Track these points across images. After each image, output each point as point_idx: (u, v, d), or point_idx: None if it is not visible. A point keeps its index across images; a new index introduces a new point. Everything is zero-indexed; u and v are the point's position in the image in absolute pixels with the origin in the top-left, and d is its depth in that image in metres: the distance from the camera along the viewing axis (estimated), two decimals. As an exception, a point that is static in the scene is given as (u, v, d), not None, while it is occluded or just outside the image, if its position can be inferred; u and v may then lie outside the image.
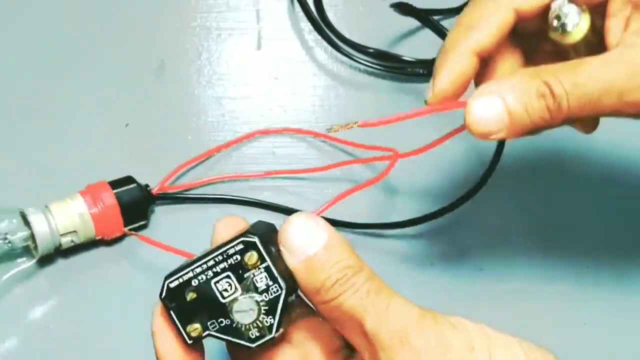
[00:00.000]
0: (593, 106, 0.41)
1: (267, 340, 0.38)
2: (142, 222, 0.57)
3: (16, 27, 0.65)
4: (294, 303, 0.39)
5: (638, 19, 0.42)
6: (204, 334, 0.38)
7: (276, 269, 0.38)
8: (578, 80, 0.40)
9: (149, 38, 0.66)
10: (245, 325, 0.38)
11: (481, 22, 0.44)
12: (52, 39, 0.65)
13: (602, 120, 0.46)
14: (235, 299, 0.38)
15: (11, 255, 0.54)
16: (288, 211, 0.58)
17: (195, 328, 0.38)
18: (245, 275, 0.38)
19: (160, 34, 0.66)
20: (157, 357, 0.39)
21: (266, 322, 0.38)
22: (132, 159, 0.60)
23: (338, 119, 0.64)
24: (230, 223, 0.42)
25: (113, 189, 0.55)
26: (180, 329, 0.38)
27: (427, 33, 0.63)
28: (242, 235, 0.38)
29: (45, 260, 0.56)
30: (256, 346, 0.38)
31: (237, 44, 0.66)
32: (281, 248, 0.37)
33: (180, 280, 0.38)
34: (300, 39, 0.67)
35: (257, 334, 0.38)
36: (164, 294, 0.38)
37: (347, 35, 0.66)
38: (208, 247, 0.40)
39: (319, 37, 0.66)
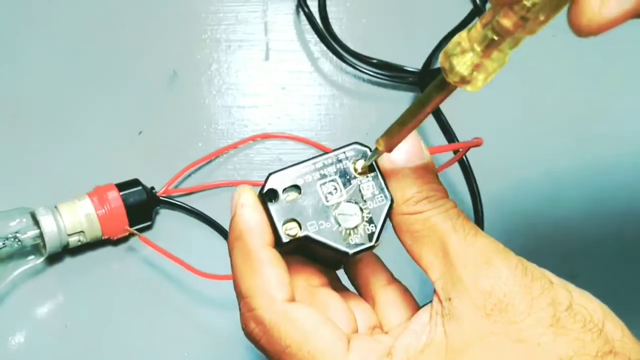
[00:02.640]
0: None
1: (365, 249, 0.36)
2: (146, 223, 0.57)
3: (38, 40, 0.66)
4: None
5: None
6: (301, 234, 0.36)
7: (383, 180, 0.37)
8: None
9: (162, 50, 0.66)
10: (347, 230, 0.36)
11: None
12: (71, 51, 0.65)
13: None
14: (339, 203, 0.36)
15: (21, 253, 0.54)
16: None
17: (292, 227, 0.36)
18: (352, 182, 0.37)
19: (173, 46, 0.66)
20: (241, 229, 0.36)
21: (367, 229, 0.36)
22: (145, 165, 0.60)
23: (343, 127, 0.63)
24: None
25: (120, 191, 0.55)
26: (278, 226, 0.36)
27: (428, 44, 0.63)
28: (353, 143, 0.37)
29: (54, 258, 0.56)
30: (354, 253, 0.36)
31: (246, 55, 0.66)
32: (385, 153, 0.36)
33: (285, 178, 0.36)
34: (307, 51, 0.67)
35: (357, 241, 0.36)
36: (265, 189, 0.36)
37: (352, 47, 0.66)
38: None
39: (325, 49, 0.65)
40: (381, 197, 0.36)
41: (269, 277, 0.36)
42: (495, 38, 0.30)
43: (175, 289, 0.55)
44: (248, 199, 0.36)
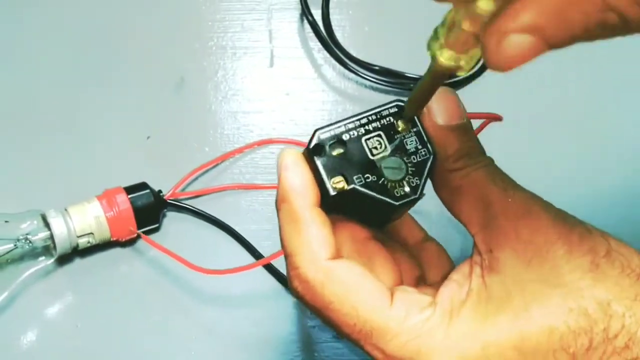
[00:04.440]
0: None
1: (410, 200, 0.37)
2: (154, 225, 0.57)
3: (49, 47, 0.66)
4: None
5: None
6: (348, 187, 0.36)
7: (426, 134, 0.37)
8: None
9: (169, 57, 0.66)
10: (392, 183, 0.36)
11: None
12: (82, 57, 0.65)
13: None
14: (384, 157, 0.37)
15: (32, 254, 0.54)
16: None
17: (339, 180, 0.36)
18: (396, 137, 0.37)
19: (180, 53, 0.66)
20: (286, 190, 0.37)
21: (412, 182, 0.37)
22: (153, 168, 0.60)
23: (345, 132, 0.63)
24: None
25: (128, 194, 0.55)
26: (326, 180, 0.36)
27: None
28: (395, 100, 0.37)
29: (64, 259, 0.56)
30: (399, 204, 0.37)
31: (251, 62, 0.66)
32: (424, 109, 0.37)
33: (332, 132, 0.37)
34: (310, 57, 0.67)
35: (402, 193, 0.37)
36: (313, 143, 0.37)
37: (354, 54, 0.66)
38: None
39: (328, 56, 0.65)
40: (424, 151, 0.37)
41: (312, 236, 0.36)
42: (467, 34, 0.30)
43: (182, 289, 0.55)
44: (291, 160, 0.37)
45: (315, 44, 0.66)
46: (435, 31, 0.32)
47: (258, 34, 0.67)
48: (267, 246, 0.57)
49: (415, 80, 0.64)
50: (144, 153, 0.62)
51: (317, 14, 0.66)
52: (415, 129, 0.37)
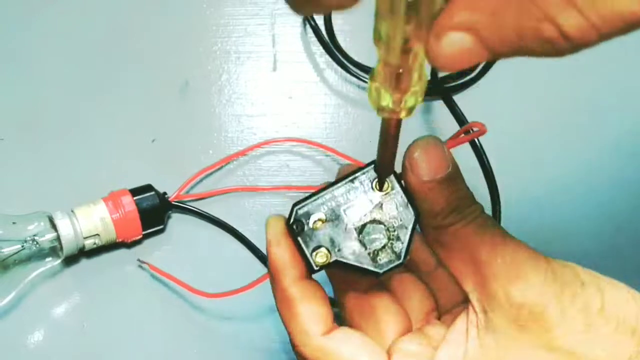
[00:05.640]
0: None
1: (394, 267, 0.36)
2: (159, 227, 0.57)
3: (56, 51, 0.66)
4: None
5: None
6: (331, 260, 0.36)
7: (407, 196, 0.36)
8: None
9: (174, 61, 0.66)
10: (375, 251, 0.36)
11: None
12: (88, 62, 0.65)
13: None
14: (364, 225, 0.36)
15: (39, 255, 0.54)
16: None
17: (322, 254, 0.36)
18: (375, 202, 0.36)
19: (185, 57, 0.66)
20: (272, 269, 0.36)
21: (395, 247, 0.36)
22: (158, 171, 0.60)
23: (347, 135, 0.63)
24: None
25: (133, 196, 0.55)
26: (308, 255, 0.36)
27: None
28: (372, 163, 0.36)
29: (70, 260, 0.56)
30: (384, 272, 0.36)
31: (255, 66, 0.66)
32: (407, 165, 0.35)
33: (310, 206, 0.36)
34: (313, 62, 0.67)
35: (386, 260, 0.36)
36: (292, 220, 0.36)
37: (356, 58, 0.66)
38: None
39: (330, 60, 0.65)
40: (406, 213, 0.36)
41: (301, 314, 0.36)
42: (400, 71, 0.29)
43: (186, 291, 0.55)
44: (273, 235, 0.36)
45: (318, 49, 0.66)
46: (371, 74, 0.30)
47: (261, 39, 0.67)
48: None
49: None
50: (149, 156, 0.62)
51: (319, 19, 0.66)
52: (394, 191, 0.36)
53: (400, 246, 0.36)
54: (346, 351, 0.36)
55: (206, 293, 0.53)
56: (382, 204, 0.36)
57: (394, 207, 0.36)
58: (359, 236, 0.36)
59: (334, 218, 0.36)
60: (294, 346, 0.37)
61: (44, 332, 0.54)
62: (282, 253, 0.36)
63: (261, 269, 0.56)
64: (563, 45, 0.24)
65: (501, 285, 0.34)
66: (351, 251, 0.36)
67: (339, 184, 0.36)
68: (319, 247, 0.36)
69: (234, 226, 0.58)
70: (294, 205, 0.36)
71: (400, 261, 0.36)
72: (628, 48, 0.66)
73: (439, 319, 0.40)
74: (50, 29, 0.67)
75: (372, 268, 0.36)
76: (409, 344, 0.37)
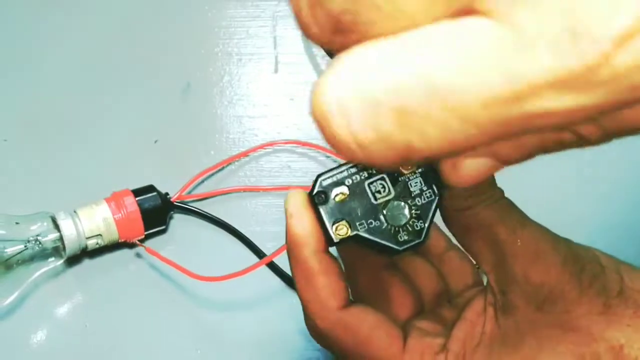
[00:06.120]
0: None
1: (414, 245, 0.35)
2: (161, 227, 0.57)
3: (59, 52, 0.66)
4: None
5: None
6: (351, 234, 0.35)
7: (431, 175, 0.35)
8: None
9: (176, 63, 0.66)
10: (396, 228, 0.35)
11: None
12: (91, 63, 0.66)
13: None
14: (388, 201, 0.35)
15: (42, 255, 0.54)
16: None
17: (343, 226, 0.35)
18: (400, 179, 0.35)
19: (187, 59, 0.66)
20: (292, 241, 0.36)
21: (417, 226, 0.35)
22: (160, 172, 0.60)
23: (348, 137, 0.63)
24: None
25: (135, 196, 0.55)
26: (329, 227, 0.35)
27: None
28: None
29: (73, 260, 0.56)
30: (403, 249, 0.35)
31: (256, 68, 0.66)
32: None
33: (334, 178, 0.35)
34: (314, 64, 0.66)
35: (406, 238, 0.35)
36: (315, 191, 0.35)
37: (357, 60, 0.65)
38: None
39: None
40: (429, 192, 0.35)
41: (320, 286, 0.35)
42: None
43: (188, 289, 0.55)
44: (294, 207, 0.36)
45: (319, 50, 0.66)
46: None
47: (263, 41, 0.67)
48: (272, 247, 0.57)
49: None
50: (151, 156, 0.62)
51: (320, 21, 0.66)
52: (420, 170, 0.36)
53: (421, 225, 0.35)
54: (364, 327, 0.36)
55: (202, 276, 0.53)
56: (406, 182, 0.35)
57: (418, 186, 0.35)
58: (381, 212, 0.35)
59: (358, 192, 0.35)
60: (309, 320, 0.36)
61: (47, 331, 0.54)
62: (304, 224, 0.35)
63: (262, 269, 0.56)
64: (581, 145, 0.24)
65: (520, 266, 0.34)
66: (372, 226, 0.35)
67: None
68: (340, 219, 0.35)
69: (236, 227, 0.58)
70: (319, 176, 0.36)
71: (421, 240, 0.35)
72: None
73: (449, 302, 0.40)
74: (54, 31, 0.67)
75: (392, 245, 0.35)
76: (422, 323, 0.37)
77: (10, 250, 0.53)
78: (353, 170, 0.36)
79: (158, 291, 0.56)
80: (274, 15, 0.68)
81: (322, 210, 0.35)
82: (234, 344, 0.55)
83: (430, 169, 0.36)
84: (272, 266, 0.56)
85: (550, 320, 0.33)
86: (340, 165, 0.36)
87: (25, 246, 0.53)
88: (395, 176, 0.36)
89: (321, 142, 0.62)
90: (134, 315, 0.55)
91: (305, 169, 0.62)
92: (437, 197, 0.35)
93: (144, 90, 0.65)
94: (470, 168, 0.26)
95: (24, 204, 0.56)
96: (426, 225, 0.35)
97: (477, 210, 0.35)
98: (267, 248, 0.57)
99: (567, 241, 0.35)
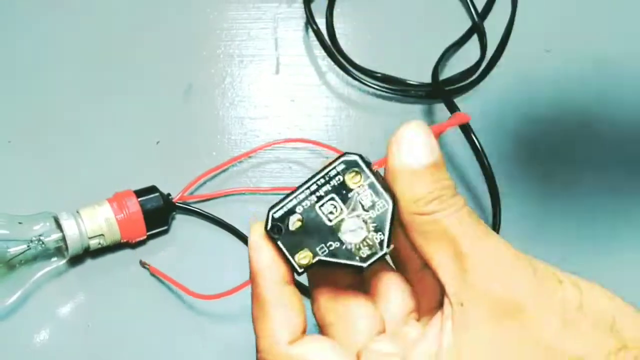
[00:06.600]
0: None
1: (378, 258, 0.34)
2: (163, 228, 0.57)
3: (62, 55, 0.66)
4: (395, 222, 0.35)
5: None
6: (314, 260, 0.35)
7: (379, 184, 0.34)
8: None
9: (178, 64, 0.66)
10: (356, 245, 0.34)
11: None
12: (93, 65, 0.66)
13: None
14: (342, 220, 0.34)
15: (45, 255, 0.54)
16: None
17: (304, 256, 0.35)
18: (350, 195, 0.34)
19: (189, 60, 0.67)
20: (251, 273, 0.36)
21: (376, 238, 0.34)
22: (162, 172, 0.60)
23: (349, 137, 0.63)
24: None
25: (138, 197, 0.55)
26: (290, 258, 0.35)
27: (429, 60, 0.63)
28: (341, 156, 0.35)
29: (75, 260, 0.56)
30: (368, 265, 0.34)
31: (258, 69, 0.66)
32: (393, 149, 0.34)
33: (285, 209, 0.35)
34: (315, 65, 0.67)
35: (369, 253, 0.34)
36: (269, 226, 0.35)
37: (357, 61, 0.66)
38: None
39: (332, 63, 0.66)
40: (382, 202, 0.35)
41: (273, 318, 0.35)
42: None
43: (184, 292, 0.55)
44: (253, 240, 0.36)
45: (320, 52, 0.66)
46: None
47: (264, 42, 0.67)
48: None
49: (416, 87, 0.64)
50: (153, 157, 0.62)
51: (321, 23, 0.66)
52: (367, 182, 0.35)
53: (380, 237, 0.34)
54: (312, 358, 0.35)
55: (202, 295, 0.53)
56: (356, 197, 0.35)
57: (369, 198, 0.35)
58: (338, 232, 0.35)
59: (311, 217, 0.35)
60: (258, 352, 0.36)
61: (49, 331, 0.54)
62: (261, 257, 0.35)
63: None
64: None
65: (481, 278, 0.33)
66: (333, 249, 0.35)
67: (311, 182, 0.35)
68: (300, 248, 0.35)
69: (237, 225, 0.58)
70: (270, 209, 0.35)
71: (383, 252, 0.35)
72: (633, 54, 0.66)
73: (418, 320, 0.38)
74: (56, 33, 0.67)
75: (356, 263, 0.35)
76: (381, 344, 0.36)
77: (13, 250, 0.53)
78: (302, 196, 0.35)
79: (160, 292, 0.56)
80: (275, 17, 0.68)
81: (279, 243, 0.35)
82: (236, 344, 0.55)
83: (377, 176, 0.35)
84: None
85: (511, 336, 0.33)
86: (288, 194, 0.35)
87: (28, 246, 0.53)
88: (344, 194, 0.35)
89: (323, 141, 0.62)
90: (136, 316, 0.55)
91: (306, 170, 0.62)
92: (391, 205, 0.35)
93: (147, 91, 0.65)
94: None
95: (27, 204, 0.56)
96: (385, 235, 0.34)
97: (438, 217, 0.34)
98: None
99: (527, 256, 0.34)
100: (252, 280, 0.36)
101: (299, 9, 0.68)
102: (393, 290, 0.38)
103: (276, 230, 0.35)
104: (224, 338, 0.55)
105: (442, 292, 0.35)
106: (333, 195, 0.35)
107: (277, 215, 0.35)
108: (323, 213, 0.35)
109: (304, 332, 0.36)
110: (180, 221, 0.59)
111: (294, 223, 0.35)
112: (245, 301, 0.54)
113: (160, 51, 0.67)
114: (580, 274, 0.34)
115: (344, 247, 0.35)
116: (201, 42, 0.67)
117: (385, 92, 0.65)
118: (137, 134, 0.63)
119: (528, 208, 0.60)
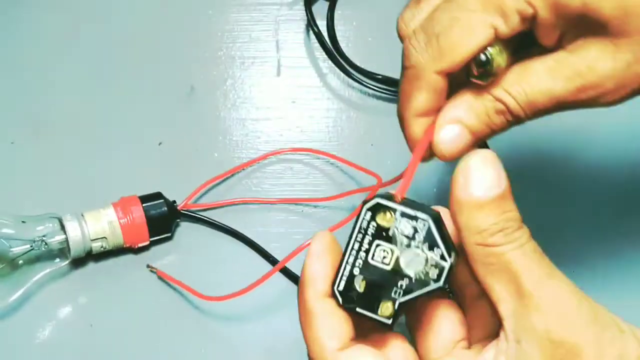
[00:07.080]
0: (546, 110, 0.37)
1: (449, 271, 0.34)
2: (166, 234, 0.57)
3: (64, 57, 0.66)
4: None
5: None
6: (395, 306, 0.35)
7: (410, 208, 0.35)
8: (527, 92, 0.37)
9: (180, 66, 0.66)
10: (422, 271, 0.34)
11: (456, 47, 0.36)
12: (96, 68, 0.66)
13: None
14: (397, 258, 0.35)
15: (48, 255, 0.54)
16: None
17: (385, 307, 0.35)
18: (390, 233, 0.35)
19: (191, 62, 0.67)
20: (302, 279, 0.36)
21: (435, 256, 0.34)
22: (164, 174, 0.61)
23: (349, 138, 0.64)
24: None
25: (142, 203, 0.56)
26: (375, 317, 0.35)
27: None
28: (362, 206, 0.35)
29: (78, 262, 0.56)
30: (444, 282, 0.34)
31: (259, 71, 0.66)
32: (460, 179, 0.34)
33: (345, 278, 0.35)
34: (316, 67, 0.67)
35: (437, 272, 0.34)
36: (341, 301, 0.36)
37: (358, 63, 0.66)
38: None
39: (333, 65, 0.66)
40: (420, 223, 0.35)
41: (321, 327, 0.35)
42: None
43: (192, 294, 0.55)
44: (316, 248, 0.36)
45: (321, 54, 0.66)
46: None
47: (265, 44, 0.67)
48: (275, 247, 0.58)
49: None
50: (155, 158, 0.62)
51: (322, 25, 0.66)
52: (398, 213, 0.35)
53: (438, 252, 0.34)
54: None
55: (209, 296, 0.54)
56: (396, 230, 0.35)
57: (407, 226, 0.35)
58: (400, 270, 0.35)
59: (370, 270, 0.35)
60: (308, 356, 0.36)
61: (51, 331, 0.55)
62: (318, 267, 0.36)
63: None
64: (512, 119, 0.38)
65: (543, 319, 0.32)
66: (405, 287, 0.35)
67: (351, 243, 0.36)
68: (377, 303, 0.35)
69: (239, 229, 0.58)
70: (332, 286, 0.36)
71: (449, 263, 0.34)
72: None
73: (468, 348, 0.38)
74: (60, 35, 0.67)
75: (432, 287, 0.35)
76: None
77: (17, 249, 0.53)
78: (352, 259, 0.35)
79: (162, 294, 0.56)
80: (277, 20, 0.68)
81: (359, 310, 0.35)
82: (241, 347, 0.55)
83: (403, 203, 0.35)
84: (283, 269, 0.56)
85: None
86: (340, 265, 0.36)
87: (31, 246, 0.53)
88: (385, 235, 0.35)
89: (321, 143, 0.62)
90: (138, 318, 0.56)
91: (307, 173, 0.62)
92: (429, 219, 0.35)
93: (149, 93, 0.65)
94: (445, 132, 0.38)
95: (33, 205, 0.57)
96: (442, 247, 0.34)
97: (502, 250, 0.33)
98: (271, 249, 0.58)
99: (588, 298, 0.33)
100: (301, 285, 0.36)
101: (300, 12, 0.68)
102: (444, 316, 0.38)
103: (349, 300, 0.35)
104: (229, 340, 0.55)
105: (499, 325, 0.34)
106: (376, 242, 0.35)
107: (342, 288, 0.36)
108: (377, 262, 0.35)
109: (352, 339, 0.36)
110: (184, 228, 0.59)
111: (359, 285, 0.35)
112: (252, 303, 0.55)
113: (162, 53, 0.67)
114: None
115: (413, 280, 0.35)
116: (203, 44, 0.67)
117: (386, 93, 0.65)
118: (140, 135, 0.63)
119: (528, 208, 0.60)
